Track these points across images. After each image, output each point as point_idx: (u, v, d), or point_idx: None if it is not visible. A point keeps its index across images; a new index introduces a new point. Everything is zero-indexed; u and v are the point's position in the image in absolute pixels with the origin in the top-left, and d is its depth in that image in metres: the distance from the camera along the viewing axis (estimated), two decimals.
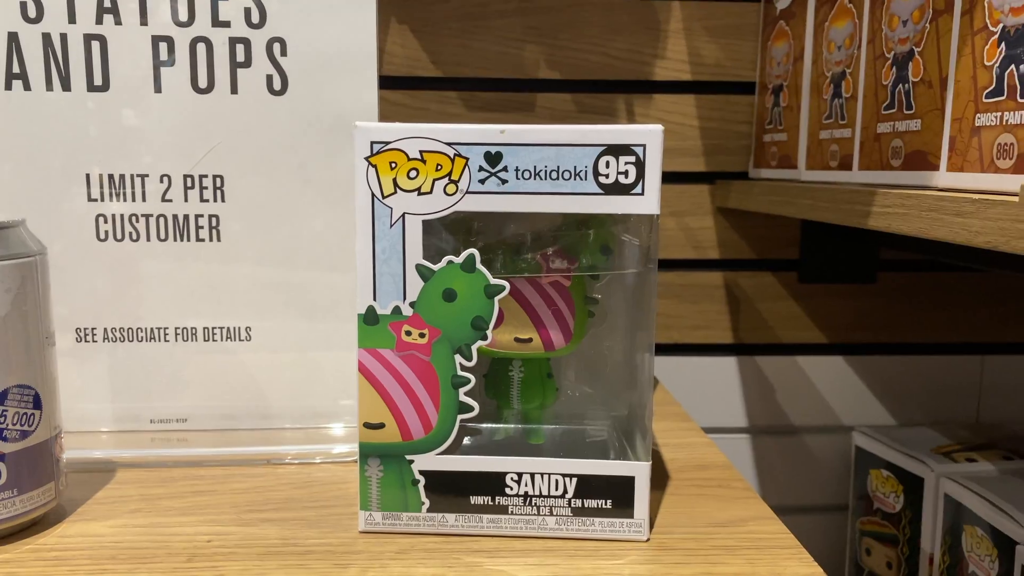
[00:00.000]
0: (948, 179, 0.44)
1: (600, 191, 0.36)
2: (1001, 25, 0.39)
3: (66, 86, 0.47)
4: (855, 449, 0.71)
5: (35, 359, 0.38)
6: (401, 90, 0.71)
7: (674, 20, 0.71)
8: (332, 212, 0.49)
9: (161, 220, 0.48)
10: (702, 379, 0.76)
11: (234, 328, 0.49)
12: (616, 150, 0.36)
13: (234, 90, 0.48)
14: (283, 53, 0.48)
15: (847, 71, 0.56)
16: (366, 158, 0.36)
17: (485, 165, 0.36)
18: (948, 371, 0.77)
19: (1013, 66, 0.39)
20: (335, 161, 0.48)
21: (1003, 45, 0.39)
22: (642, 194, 0.36)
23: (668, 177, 0.73)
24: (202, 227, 0.48)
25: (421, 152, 0.36)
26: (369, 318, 0.37)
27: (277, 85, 0.48)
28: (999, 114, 0.40)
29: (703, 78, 0.72)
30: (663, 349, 0.75)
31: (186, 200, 0.48)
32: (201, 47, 0.47)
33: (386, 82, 0.71)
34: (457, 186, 0.36)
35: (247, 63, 0.47)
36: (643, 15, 0.71)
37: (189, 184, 0.48)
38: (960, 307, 0.77)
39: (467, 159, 0.36)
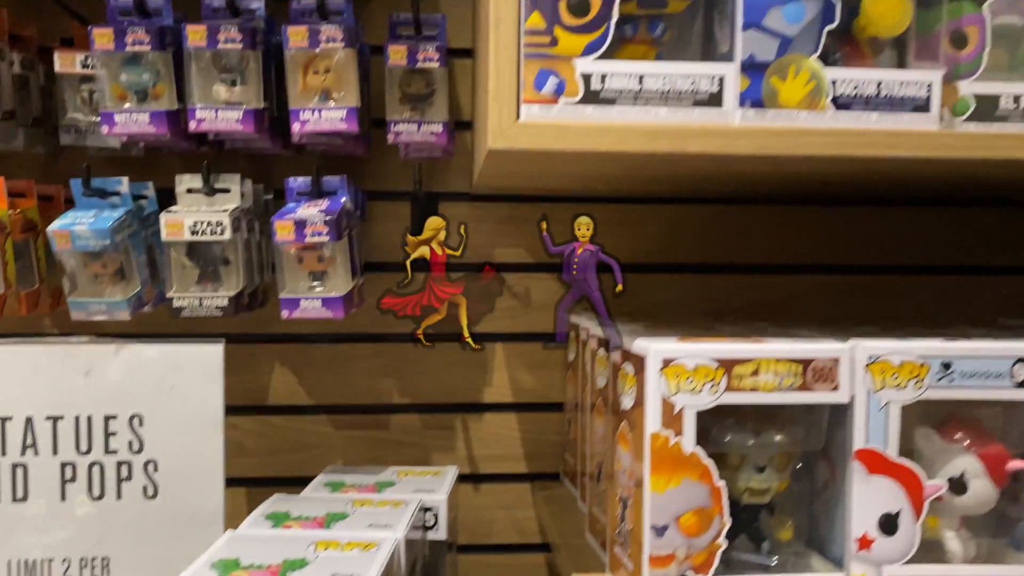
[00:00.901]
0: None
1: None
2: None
3: None
4: None
5: None
6: (285, 415, 0.90)
7: (498, 359, 0.91)
8: None
9: None
10: None
11: None
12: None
13: (119, 497, 0.66)
14: (155, 470, 0.67)
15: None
16: None
17: None
18: None
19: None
20: (192, 547, 0.66)
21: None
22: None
23: (498, 477, 0.92)
24: None
25: None
26: None
27: (151, 492, 0.67)
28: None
29: (522, 400, 0.92)
30: None
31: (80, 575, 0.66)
32: (96, 468, 0.66)
33: (272, 410, 0.90)
34: None
35: (129, 478, 0.66)
36: (474, 358, 0.91)
37: (84, 564, 0.66)
38: None
39: None
